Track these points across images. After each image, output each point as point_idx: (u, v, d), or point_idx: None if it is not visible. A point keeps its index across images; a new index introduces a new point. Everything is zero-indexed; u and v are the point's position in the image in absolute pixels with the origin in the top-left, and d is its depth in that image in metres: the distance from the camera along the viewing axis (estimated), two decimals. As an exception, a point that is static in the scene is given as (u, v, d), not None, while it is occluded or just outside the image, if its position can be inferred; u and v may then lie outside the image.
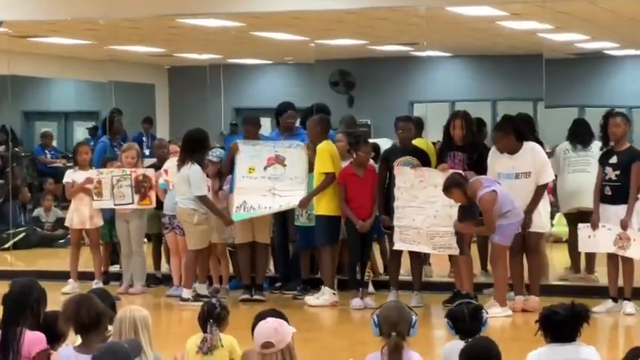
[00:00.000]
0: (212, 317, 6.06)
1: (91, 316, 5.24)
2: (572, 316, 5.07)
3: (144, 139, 16.91)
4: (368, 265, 10.71)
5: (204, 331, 6.06)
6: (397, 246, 10.41)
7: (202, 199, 10.50)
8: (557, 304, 5.20)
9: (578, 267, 11.27)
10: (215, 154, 11.15)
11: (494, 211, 9.66)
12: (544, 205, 10.15)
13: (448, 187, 9.77)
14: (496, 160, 10.15)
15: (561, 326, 5.07)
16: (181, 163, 10.62)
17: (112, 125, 13.63)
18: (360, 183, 10.32)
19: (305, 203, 10.53)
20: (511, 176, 10.02)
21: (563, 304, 5.17)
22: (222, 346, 6.02)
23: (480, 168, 10.19)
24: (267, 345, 4.85)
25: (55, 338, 5.66)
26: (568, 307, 5.10)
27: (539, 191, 10.04)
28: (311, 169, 10.59)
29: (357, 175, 10.32)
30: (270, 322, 5.00)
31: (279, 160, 10.68)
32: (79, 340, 5.42)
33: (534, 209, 10.00)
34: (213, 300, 6.24)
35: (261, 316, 5.60)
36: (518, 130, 10.14)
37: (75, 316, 5.24)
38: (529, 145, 10.12)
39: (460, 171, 10.09)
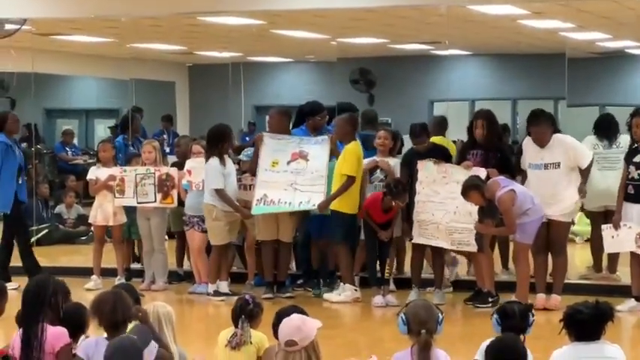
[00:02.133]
0: (244, 313, 6.08)
1: (124, 317, 5.38)
2: (597, 315, 5.07)
3: (164, 136, 16.97)
4: (388, 262, 10.73)
5: (236, 327, 6.09)
6: (416, 240, 10.43)
7: (217, 192, 10.56)
8: (581, 302, 5.21)
9: (600, 266, 11.25)
10: (247, 153, 11.20)
11: (514, 210, 9.66)
12: (573, 196, 10.13)
13: (465, 190, 9.77)
14: (527, 151, 10.19)
15: (585, 325, 5.08)
16: (206, 158, 10.73)
17: (132, 123, 13.69)
18: (382, 217, 10.34)
19: (324, 206, 10.51)
20: (540, 167, 10.04)
21: (587, 302, 5.17)
22: (251, 343, 6.04)
23: (503, 167, 10.19)
24: (291, 343, 4.87)
25: (75, 330, 5.69)
26: (592, 305, 5.10)
27: (585, 172, 10.03)
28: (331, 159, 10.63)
29: (382, 211, 10.30)
30: (294, 319, 5.03)
31: (303, 156, 10.70)
32: (103, 332, 5.48)
33: (585, 182, 10.00)
34: (247, 296, 6.25)
35: (282, 313, 5.63)
36: (553, 122, 10.18)
37: (111, 317, 5.36)
38: (558, 137, 10.13)
39: (482, 169, 10.09)
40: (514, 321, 5.47)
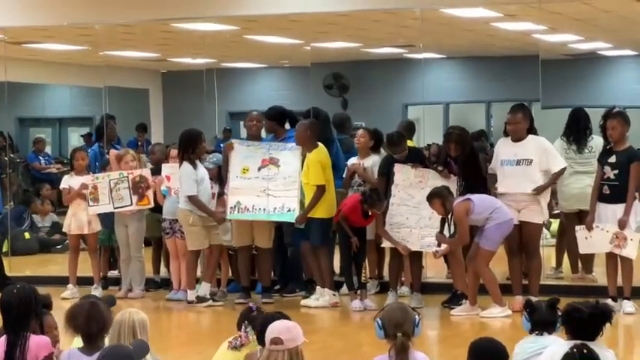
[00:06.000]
0: (247, 319, 6.11)
1: (99, 327, 5.35)
2: (596, 314, 5.05)
3: (139, 144, 16.91)
4: (364, 265, 10.74)
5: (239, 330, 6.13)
6: (386, 243, 10.48)
7: (190, 199, 10.55)
8: (581, 301, 5.20)
9: (576, 267, 11.29)
10: (212, 160, 11.17)
11: (474, 219, 9.68)
12: (544, 197, 10.16)
13: (430, 197, 9.83)
14: (501, 149, 10.24)
15: (583, 323, 5.06)
16: (179, 164, 10.71)
17: (106, 131, 13.62)
18: (363, 222, 10.34)
19: (302, 220, 10.51)
20: (512, 163, 10.07)
21: (588, 301, 5.18)
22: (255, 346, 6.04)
23: (472, 178, 10.22)
24: (276, 341, 4.88)
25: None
26: (592, 305, 5.10)
27: (554, 177, 10.08)
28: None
29: (362, 218, 10.29)
30: (285, 321, 5.08)
31: (274, 162, 10.71)
32: (79, 341, 5.45)
33: (544, 189, 10.02)
34: (251, 304, 6.33)
35: (267, 319, 5.62)
36: (532, 120, 10.21)
37: (86, 328, 5.34)
38: (533, 136, 10.16)
39: (452, 178, 10.15)
40: (542, 314, 5.50)
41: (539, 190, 9.99)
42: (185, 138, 10.78)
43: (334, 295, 10.54)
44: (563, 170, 10.19)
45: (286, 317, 5.57)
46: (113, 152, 11.89)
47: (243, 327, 6.10)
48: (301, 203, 10.57)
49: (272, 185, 10.63)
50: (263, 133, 11.42)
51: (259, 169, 10.71)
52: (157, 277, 11.92)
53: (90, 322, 5.32)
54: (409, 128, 12.04)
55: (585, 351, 4.67)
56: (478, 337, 5.04)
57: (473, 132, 14.21)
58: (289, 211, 10.55)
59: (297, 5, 12.36)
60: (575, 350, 4.68)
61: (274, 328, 4.98)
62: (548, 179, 10.08)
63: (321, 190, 10.40)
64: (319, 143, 10.57)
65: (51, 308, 5.95)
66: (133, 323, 5.62)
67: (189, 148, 10.67)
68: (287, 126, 11.29)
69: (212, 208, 10.79)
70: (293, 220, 10.56)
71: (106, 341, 5.50)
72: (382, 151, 11.05)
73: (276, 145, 10.84)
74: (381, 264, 11.32)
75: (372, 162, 10.80)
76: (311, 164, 10.44)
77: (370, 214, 10.22)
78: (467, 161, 10.27)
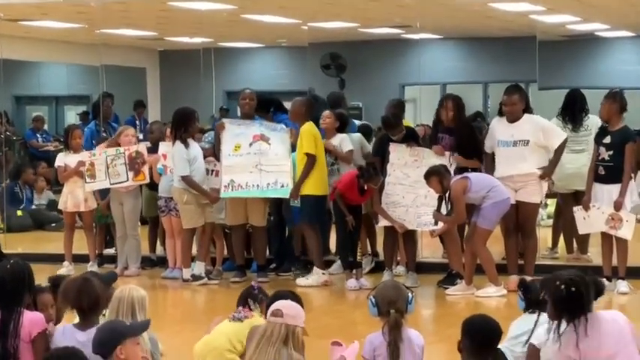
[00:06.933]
0: (251, 297, 6.14)
1: (91, 301, 5.37)
2: (595, 293, 5.07)
3: (137, 122, 16.89)
4: (359, 245, 10.77)
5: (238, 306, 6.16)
6: (382, 223, 10.48)
7: (183, 179, 10.56)
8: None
9: (572, 247, 11.32)
10: (207, 139, 11.18)
11: (471, 198, 9.69)
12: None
13: (427, 175, 9.84)
14: (497, 129, 10.22)
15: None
16: (172, 142, 10.71)
17: (102, 109, 13.59)
18: (357, 198, 10.36)
19: (295, 193, 10.53)
20: (509, 144, 10.08)
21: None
22: (260, 316, 6.01)
23: (468, 148, 10.22)
24: (276, 313, 4.92)
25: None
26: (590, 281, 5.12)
27: (558, 153, 10.08)
28: (293, 150, 10.68)
29: (358, 194, 10.30)
30: (291, 301, 5.13)
31: (265, 139, 10.73)
32: (76, 318, 5.47)
33: (552, 172, 10.10)
34: (253, 283, 6.36)
35: (278, 295, 5.64)
36: (527, 100, 10.22)
37: (77, 302, 5.37)
38: (528, 115, 10.17)
39: (446, 154, 10.14)
40: (536, 294, 5.49)
41: (546, 174, 10.01)
42: (178, 116, 10.77)
43: (324, 273, 10.55)
44: (564, 144, 10.19)
45: (298, 299, 5.55)
46: (102, 146, 11.77)
47: (249, 304, 6.10)
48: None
49: (264, 160, 10.65)
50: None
51: (250, 145, 10.71)
52: (153, 255, 11.95)
53: (81, 296, 5.33)
54: (399, 107, 12.02)
55: (573, 289, 4.69)
56: (471, 315, 5.06)
57: (469, 114, 14.23)
58: (283, 186, 10.57)
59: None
60: (563, 287, 4.68)
61: (278, 303, 5.04)
62: (551, 159, 10.08)
63: (311, 159, 10.40)
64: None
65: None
66: (132, 300, 5.63)
67: (182, 126, 10.65)
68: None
69: (213, 185, 10.80)
70: (287, 196, 10.58)
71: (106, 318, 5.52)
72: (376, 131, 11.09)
73: (267, 125, 10.87)
74: (372, 241, 11.35)
75: (340, 140, 10.83)
76: (304, 135, 10.45)
77: (366, 189, 10.24)
78: (462, 130, 10.28)
